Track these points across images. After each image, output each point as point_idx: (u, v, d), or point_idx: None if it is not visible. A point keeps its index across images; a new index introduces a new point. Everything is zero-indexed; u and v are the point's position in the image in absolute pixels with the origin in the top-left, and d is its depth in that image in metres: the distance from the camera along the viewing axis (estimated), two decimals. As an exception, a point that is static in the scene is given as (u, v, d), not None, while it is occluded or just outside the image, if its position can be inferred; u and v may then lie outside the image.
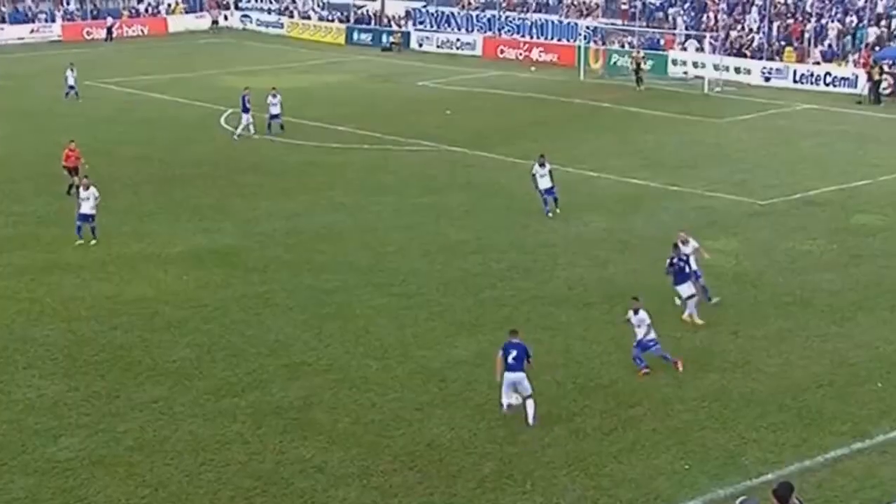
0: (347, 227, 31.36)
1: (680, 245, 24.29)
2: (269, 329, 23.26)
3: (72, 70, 52.24)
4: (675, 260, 23.63)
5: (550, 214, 32.00)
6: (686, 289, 23.48)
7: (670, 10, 64.28)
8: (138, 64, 60.42)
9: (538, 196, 32.26)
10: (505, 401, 18.92)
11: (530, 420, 18.68)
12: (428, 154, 40.83)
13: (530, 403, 18.78)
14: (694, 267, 24.10)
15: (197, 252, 28.72)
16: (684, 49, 60.46)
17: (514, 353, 18.76)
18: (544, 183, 32.21)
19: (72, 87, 51.99)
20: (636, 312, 21.15)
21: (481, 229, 30.93)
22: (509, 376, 18.77)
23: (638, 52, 56.59)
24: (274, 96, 43.88)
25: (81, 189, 29.52)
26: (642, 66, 55.13)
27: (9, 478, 17.20)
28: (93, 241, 29.18)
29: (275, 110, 43.79)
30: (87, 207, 29.16)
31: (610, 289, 25.82)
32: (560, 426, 18.82)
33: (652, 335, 21.01)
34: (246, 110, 43.02)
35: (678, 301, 23.61)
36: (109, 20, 76.35)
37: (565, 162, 38.96)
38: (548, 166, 32.40)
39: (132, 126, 46.13)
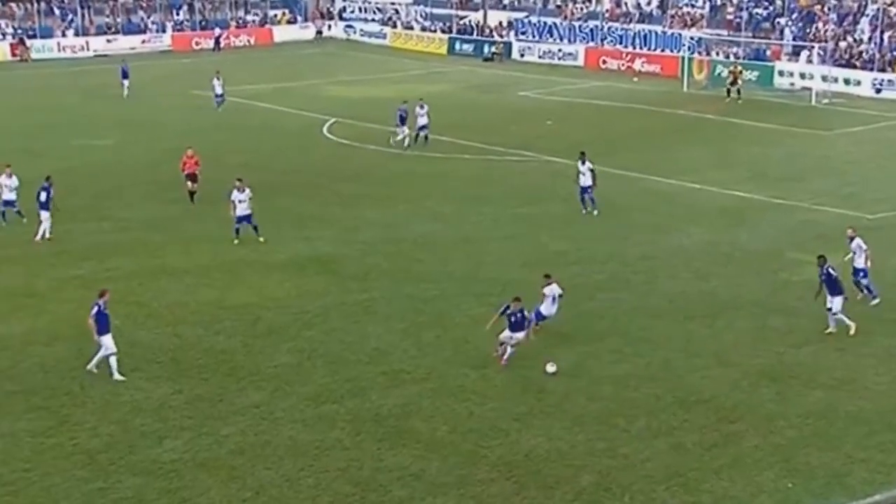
0: (447, 236, 31.49)
1: (848, 243, 24.94)
2: (368, 336, 23.46)
3: (218, 78, 52.40)
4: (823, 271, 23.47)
5: (585, 212, 32.98)
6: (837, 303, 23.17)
7: (778, 21, 63.25)
8: (244, 73, 61.48)
9: (576, 192, 33.23)
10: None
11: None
12: (528, 164, 40.79)
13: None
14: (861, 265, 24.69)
15: (298, 259, 29.11)
16: (792, 60, 59.40)
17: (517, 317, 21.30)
18: (584, 181, 32.95)
19: (220, 96, 52.19)
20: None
21: (581, 240, 30.80)
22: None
23: (735, 66, 55.66)
24: (422, 107, 43.65)
25: (236, 191, 30.24)
26: (739, 79, 54.24)
27: (116, 477, 17.64)
28: (260, 239, 30.06)
29: (422, 121, 43.53)
30: (242, 209, 30.13)
31: (712, 302, 25.50)
32: (660, 440, 18.64)
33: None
34: (402, 122, 43.16)
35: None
36: (217, 31, 77.90)
37: (667, 173, 38.63)
38: (588, 164, 32.88)
39: (237, 134, 46.96)
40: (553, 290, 23.19)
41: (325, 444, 18.64)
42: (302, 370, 21.77)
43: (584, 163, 33.30)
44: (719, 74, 57.64)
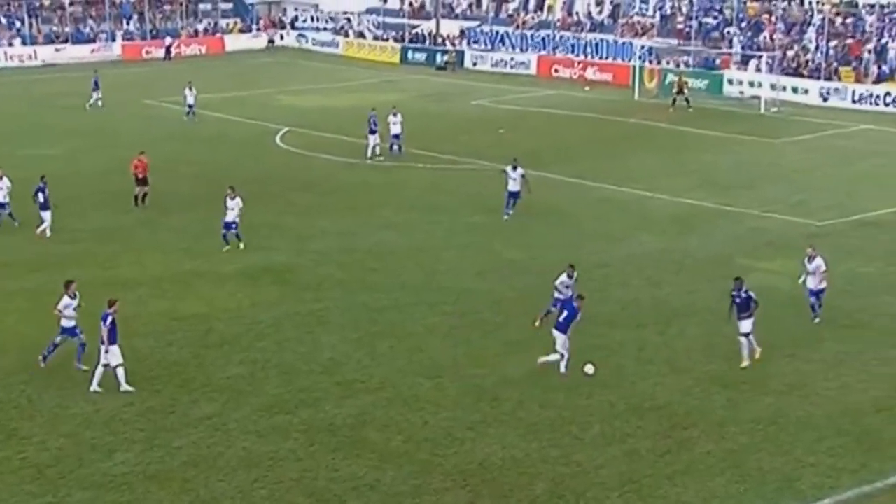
0: (401, 245, 31.47)
1: (805, 261, 24.53)
2: (322, 347, 23.36)
3: (190, 88, 51.93)
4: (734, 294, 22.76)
5: (505, 217, 33.36)
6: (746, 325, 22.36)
7: (727, 30, 63.89)
8: (196, 83, 61.09)
9: (504, 195, 33.61)
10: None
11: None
12: (481, 173, 40.87)
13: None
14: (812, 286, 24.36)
15: (251, 270, 28.94)
16: (741, 68, 60.01)
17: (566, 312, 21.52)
18: (512, 186, 33.51)
19: (191, 107, 51.65)
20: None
21: (534, 248, 30.89)
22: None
23: (680, 76, 56.08)
24: (395, 115, 43.41)
25: (228, 198, 30.73)
26: (685, 88, 54.71)
27: (66, 491, 17.40)
28: (241, 245, 30.52)
29: (396, 130, 43.25)
30: (231, 216, 30.59)
31: (664, 310, 25.66)
32: (613, 447, 18.71)
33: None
34: (372, 132, 42.85)
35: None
36: (168, 40, 77.39)
37: (619, 181, 38.86)
38: (520, 170, 33.45)
39: (190, 144, 46.66)
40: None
41: (279, 455, 18.52)
42: (255, 381, 21.63)
43: (515, 169, 33.70)
44: (670, 83, 58.11)
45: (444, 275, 28.58)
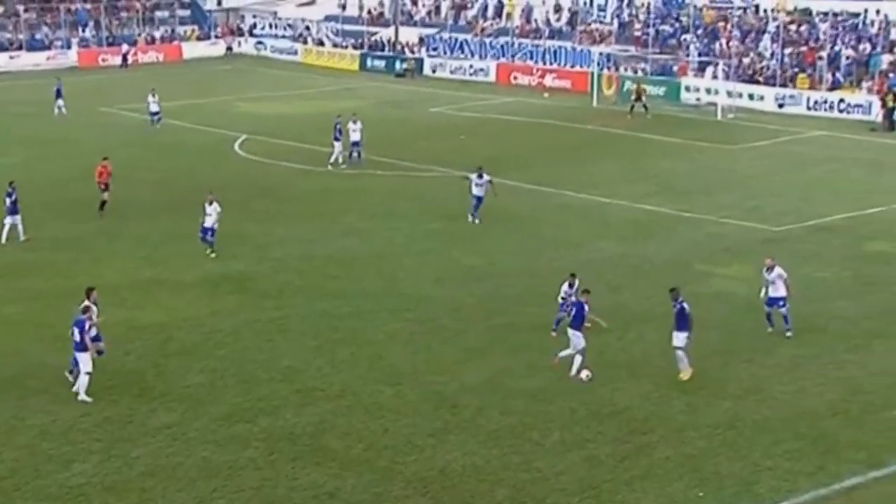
0: (361, 252, 31.43)
1: (764, 272, 24.35)
2: (281, 355, 23.27)
3: (153, 96, 51.41)
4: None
5: (476, 221, 33.80)
6: None
7: (683, 38, 64.39)
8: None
9: (469, 200, 34.12)
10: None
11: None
12: (441, 180, 40.93)
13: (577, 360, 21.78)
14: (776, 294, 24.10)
15: (210, 278, 28.79)
16: (698, 75, 60.49)
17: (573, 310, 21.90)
18: (478, 191, 34.02)
19: (155, 114, 51.14)
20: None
21: (493, 255, 30.97)
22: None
23: (638, 83, 56.44)
24: (355, 122, 43.16)
25: (206, 204, 30.81)
26: (643, 95, 55.09)
27: (22, 503, 17.20)
28: (211, 254, 30.53)
29: (355, 137, 42.98)
30: (209, 221, 30.72)
31: (623, 314, 25.79)
32: (573, 453, 18.77)
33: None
34: (337, 139, 42.59)
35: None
36: (125, 47, 76.83)
37: (578, 188, 39.04)
38: (486, 177, 33.94)
39: (148, 151, 46.35)
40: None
41: (239, 464, 18.43)
42: (214, 390, 21.52)
43: (480, 177, 34.07)
44: (628, 90, 58.44)
45: (405, 281, 28.58)
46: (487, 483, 17.77)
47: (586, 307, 22.45)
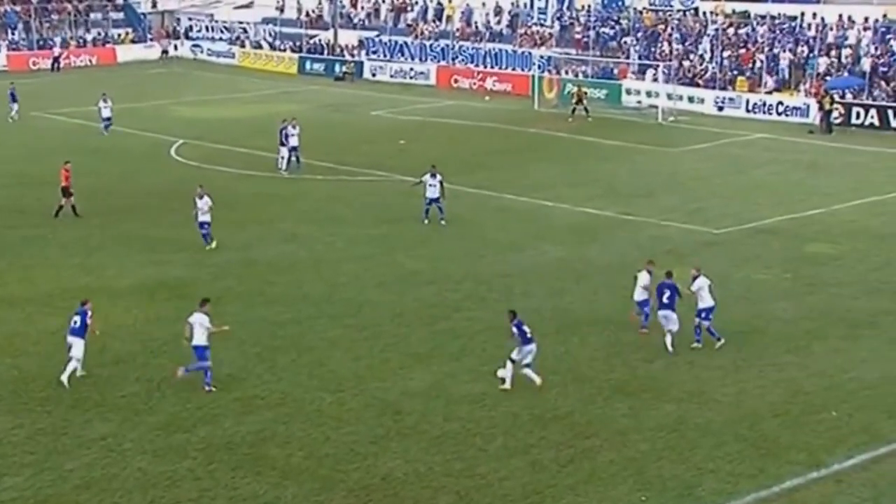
0: (301, 258, 31.30)
1: (690, 281, 24.14)
2: (220, 362, 23.05)
3: (105, 100, 50.72)
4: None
5: (433, 222, 34.16)
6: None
7: (624, 40, 64.92)
8: (86, 94, 59.89)
9: (422, 202, 34.39)
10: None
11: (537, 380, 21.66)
12: (382, 184, 40.89)
13: (530, 372, 21.71)
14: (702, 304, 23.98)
15: (147, 285, 28.50)
16: (639, 78, 61.04)
17: (525, 327, 21.77)
18: (431, 192, 34.21)
19: (107, 120, 50.41)
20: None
21: (436, 259, 31.00)
22: (529, 347, 21.63)
23: (579, 87, 56.70)
24: (294, 126, 42.48)
25: (196, 198, 31.79)
26: (584, 98, 55.41)
27: (-49, 518, 16.92)
28: (213, 244, 31.85)
29: (294, 142, 42.27)
30: (204, 216, 31.78)
31: (566, 318, 25.93)
32: (517, 458, 18.83)
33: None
34: (283, 144, 41.97)
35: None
36: (56, 50, 75.84)
37: (520, 191, 39.19)
38: (438, 177, 34.23)
39: (81, 157, 45.54)
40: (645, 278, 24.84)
41: (177, 474, 18.24)
42: (151, 399, 21.29)
43: (434, 176, 34.28)
44: (569, 93, 58.79)
45: (346, 287, 28.51)
46: (430, 490, 17.77)
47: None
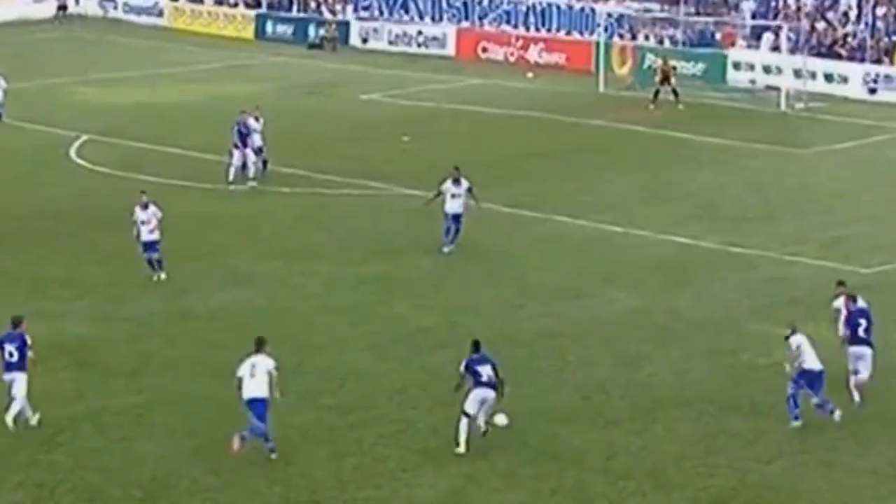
0: (258, 308, 31.43)
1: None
2: (142, 461, 23.19)
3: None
4: None
5: (446, 249, 35.16)
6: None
7: (731, -10, 64.95)
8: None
9: (441, 221, 35.27)
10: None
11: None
12: (376, 200, 41.04)
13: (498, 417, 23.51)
14: None
15: (36, 347, 28.60)
16: (752, 46, 61.13)
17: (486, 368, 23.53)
18: (453, 206, 34.94)
19: None
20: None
21: (455, 311, 31.08)
22: (480, 393, 23.39)
23: (665, 60, 56.62)
24: (256, 119, 43.23)
25: (138, 208, 33.43)
26: (671, 77, 55.34)
27: None
28: (162, 275, 33.40)
29: (257, 141, 42.96)
30: (149, 233, 33.45)
31: (645, 398, 26.00)
32: None
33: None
34: (241, 144, 42.39)
35: None
36: None
37: (577, 212, 39.27)
38: (465, 184, 34.86)
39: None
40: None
41: None
42: (42, 515, 21.50)
43: (458, 182, 34.87)
44: (649, 67, 58.97)
45: (323, 351, 28.61)
46: None
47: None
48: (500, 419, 23.46)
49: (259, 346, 23.67)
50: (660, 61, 57.01)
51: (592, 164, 45.95)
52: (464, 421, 23.15)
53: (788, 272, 34.18)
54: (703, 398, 25.88)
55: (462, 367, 23.61)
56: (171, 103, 56.21)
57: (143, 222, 33.24)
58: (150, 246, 33.33)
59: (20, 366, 24.39)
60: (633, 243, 36.73)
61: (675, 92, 55.07)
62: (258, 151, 42.96)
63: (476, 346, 24.03)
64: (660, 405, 25.72)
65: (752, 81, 58.98)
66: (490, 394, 23.42)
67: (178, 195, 41.77)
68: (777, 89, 56.06)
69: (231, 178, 42.45)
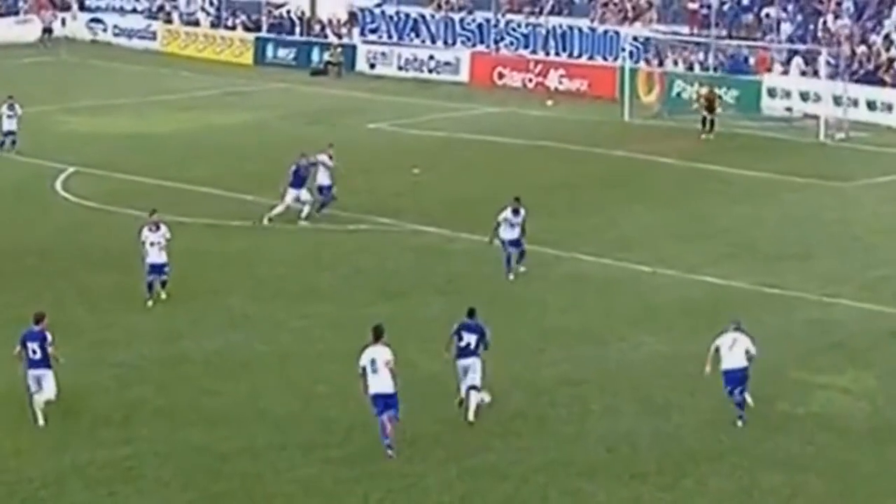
0: (257, 353, 31.45)
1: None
2: (130, 517, 23.26)
3: (11, 107, 52.41)
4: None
5: (512, 276, 36.79)
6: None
7: (765, 12, 64.88)
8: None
9: (500, 250, 36.84)
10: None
11: (470, 416, 26.30)
12: (384, 237, 41.07)
13: (473, 395, 26.31)
14: None
15: (15, 394, 28.66)
16: (788, 72, 61.21)
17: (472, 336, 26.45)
18: (511, 233, 36.35)
19: (10, 134, 52.14)
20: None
21: (469, 356, 31.08)
22: (460, 363, 26.42)
23: (710, 88, 56.67)
24: (329, 157, 43.46)
25: (147, 230, 35.04)
26: (717, 106, 55.40)
27: None
28: (163, 296, 35.00)
29: (326, 179, 43.30)
30: (154, 254, 34.85)
31: (673, 450, 25.94)
32: None
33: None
34: (300, 184, 42.69)
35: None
36: None
37: (601, 249, 39.32)
38: (523, 214, 36.29)
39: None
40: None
41: None
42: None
43: (517, 213, 36.44)
44: (679, 94, 59.01)
45: (327, 400, 28.59)
46: None
47: None
48: (482, 397, 26.45)
49: (377, 337, 25.89)
50: (705, 89, 56.89)
51: (617, 198, 45.99)
52: (473, 395, 26.08)
53: (828, 314, 34.14)
54: (737, 450, 25.82)
55: (452, 331, 27.04)
56: (164, 133, 56.37)
57: (152, 243, 34.65)
58: (157, 268, 34.73)
59: (45, 363, 26.70)
60: (661, 284, 36.73)
61: (711, 122, 55.06)
62: (326, 190, 42.89)
63: (470, 312, 27.39)
64: (690, 458, 25.67)
65: (789, 109, 59.08)
66: (468, 361, 26.71)
67: (172, 231, 41.83)
68: (815, 118, 56.17)
69: (304, 215, 42.69)
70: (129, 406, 28.24)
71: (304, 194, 42.77)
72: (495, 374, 29.77)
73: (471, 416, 26.48)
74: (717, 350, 27.16)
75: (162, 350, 31.65)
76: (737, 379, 26.84)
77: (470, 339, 26.76)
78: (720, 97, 56.64)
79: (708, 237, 41.25)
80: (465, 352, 26.83)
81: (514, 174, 49.36)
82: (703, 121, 55.34)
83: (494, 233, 36.88)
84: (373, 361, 25.33)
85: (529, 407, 28.09)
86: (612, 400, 28.58)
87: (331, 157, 43.70)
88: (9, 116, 52.27)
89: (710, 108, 55.41)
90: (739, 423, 26.70)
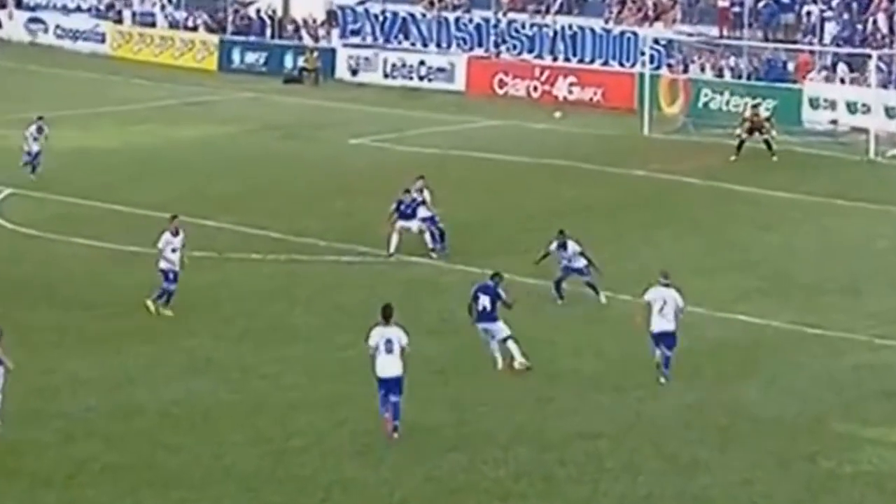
0: (222, 402, 31.46)
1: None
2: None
3: (40, 130, 53.07)
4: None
5: (560, 302, 37.89)
6: None
7: (806, 10, 64.99)
8: None
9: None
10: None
11: (518, 359, 30.74)
12: (368, 269, 41.12)
13: (512, 344, 30.56)
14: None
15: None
16: (833, 79, 61.35)
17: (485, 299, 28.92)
18: (575, 263, 37.91)
19: (35, 156, 52.66)
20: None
21: (467, 406, 31.06)
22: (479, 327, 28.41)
23: (756, 110, 56.28)
24: (422, 191, 43.60)
25: (169, 234, 37.39)
26: (770, 129, 54.91)
27: None
28: (168, 312, 37.15)
29: (424, 212, 43.07)
30: (171, 261, 37.22)
31: (702, 514, 26.02)
32: None
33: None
34: (411, 214, 42.83)
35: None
36: None
37: (618, 283, 39.35)
38: (572, 248, 37.60)
39: None
40: None
41: None
42: None
43: (564, 247, 37.64)
44: (706, 105, 59.10)
45: (303, 455, 28.59)
46: None
47: None
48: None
49: (387, 316, 28.18)
50: (749, 111, 56.74)
51: (636, 223, 46.08)
52: (512, 346, 29.21)
53: (879, 358, 34.16)
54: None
55: (471, 294, 30.95)
56: (115, 149, 56.49)
57: (174, 249, 37.06)
58: (175, 277, 37.04)
59: None
60: (686, 322, 36.61)
61: (768, 144, 54.75)
62: (430, 222, 42.82)
63: (493, 275, 31.31)
64: (721, 523, 25.76)
65: (834, 122, 59.20)
66: (486, 325, 30.66)
67: (121, 264, 41.93)
68: (864, 131, 56.27)
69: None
70: (73, 464, 28.20)
71: (404, 224, 42.94)
72: (496, 425, 29.85)
73: (519, 359, 30.48)
74: (649, 305, 31.55)
75: (111, 399, 31.61)
76: (667, 342, 31.45)
77: (485, 301, 29.44)
78: (770, 119, 56.12)
79: (740, 269, 41.32)
80: (482, 315, 30.33)
81: (517, 197, 49.50)
82: (740, 143, 54.88)
83: (543, 259, 38.77)
84: (388, 342, 27.44)
85: (535, 465, 28.07)
86: (630, 457, 28.56)
87: (423, 191, 44.04)
88: (35, 137, 52.61)
89: (755, 129, 54.94)
90: (662, 381, 31.55)
